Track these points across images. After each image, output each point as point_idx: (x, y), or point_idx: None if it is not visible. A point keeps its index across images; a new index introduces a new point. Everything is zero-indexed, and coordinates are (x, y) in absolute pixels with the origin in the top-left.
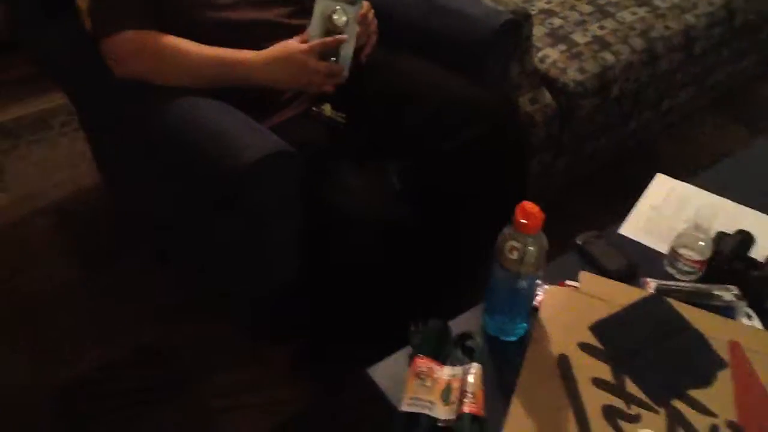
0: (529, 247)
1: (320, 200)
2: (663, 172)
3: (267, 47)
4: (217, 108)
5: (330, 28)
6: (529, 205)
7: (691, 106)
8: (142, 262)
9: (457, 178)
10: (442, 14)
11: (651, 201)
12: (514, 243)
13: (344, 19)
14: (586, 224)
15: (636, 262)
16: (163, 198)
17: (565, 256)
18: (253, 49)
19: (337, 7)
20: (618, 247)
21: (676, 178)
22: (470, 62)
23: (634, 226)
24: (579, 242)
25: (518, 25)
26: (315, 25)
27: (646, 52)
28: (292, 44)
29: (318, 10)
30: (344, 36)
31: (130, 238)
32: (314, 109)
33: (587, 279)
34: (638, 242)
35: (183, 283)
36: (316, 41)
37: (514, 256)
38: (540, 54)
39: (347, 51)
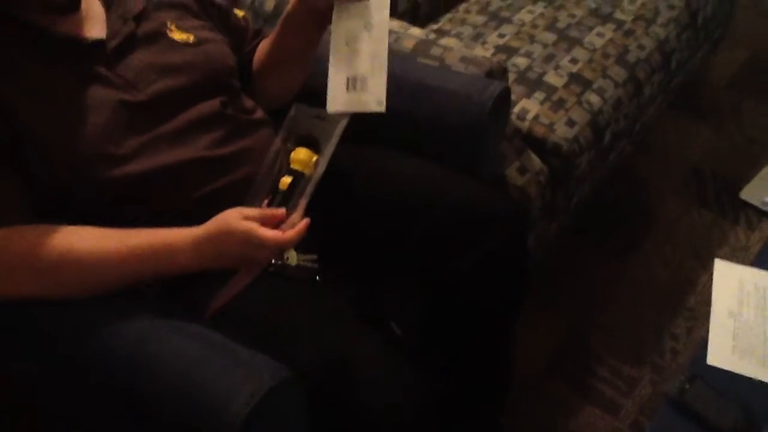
0: None
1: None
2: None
3: (200, 193)
4: (155, 323)
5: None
6: None
7: (656, 116)
8: None
9: (468, 303)
10: (416, 94)
11: (725, 305)
12: None
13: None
14: (590, 273)
15: (750, 405)
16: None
17: (657, 419)
18: (183, 202)
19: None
20: (716, 387)
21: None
22: (458, 151)
23: (722, 350)
24: (671, 394)
25: (508, 93)
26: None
27: (630, 81)
28: (232, 216)
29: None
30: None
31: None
32: (275, 262)
33: None
34: (740, 375)
35: None
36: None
37: None
38: (516, 109)
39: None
